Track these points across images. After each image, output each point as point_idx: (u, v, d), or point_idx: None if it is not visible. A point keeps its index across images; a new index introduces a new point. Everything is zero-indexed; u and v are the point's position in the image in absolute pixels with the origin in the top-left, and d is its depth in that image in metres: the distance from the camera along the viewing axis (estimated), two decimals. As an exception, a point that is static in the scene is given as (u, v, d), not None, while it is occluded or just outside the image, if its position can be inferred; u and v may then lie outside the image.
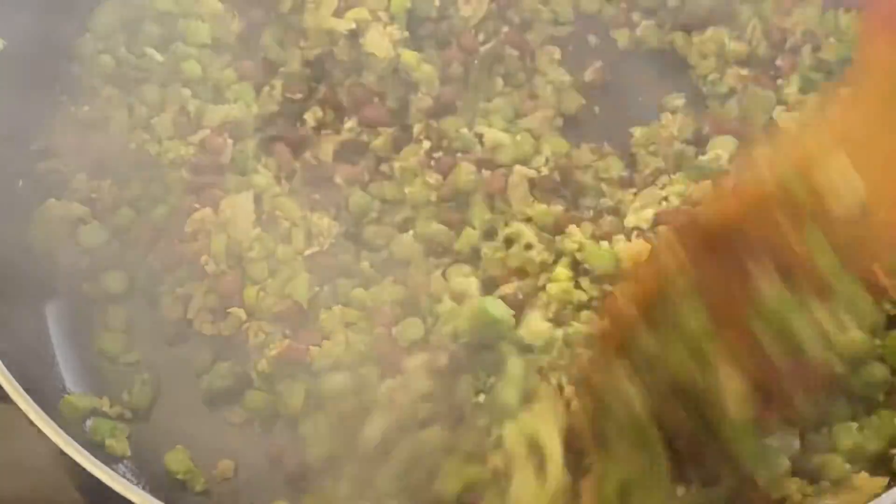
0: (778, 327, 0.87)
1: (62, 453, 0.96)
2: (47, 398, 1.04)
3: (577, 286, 1.13)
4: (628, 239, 1.15)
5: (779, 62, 1.26)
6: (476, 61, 1.27)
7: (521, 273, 1.15)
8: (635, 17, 1.31)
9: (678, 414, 0.90)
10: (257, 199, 1.20)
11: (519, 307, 1.11)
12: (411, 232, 1.19)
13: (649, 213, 1.16)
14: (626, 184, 1.21)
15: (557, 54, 1.30)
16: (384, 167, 1.23)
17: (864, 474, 1.04)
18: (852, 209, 0.84)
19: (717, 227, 0.89)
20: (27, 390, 1.01)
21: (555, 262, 1.15)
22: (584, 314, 1.11)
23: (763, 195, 0.87)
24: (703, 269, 0.88)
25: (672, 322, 0.89)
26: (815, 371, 0.88)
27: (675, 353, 0.89)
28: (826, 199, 0.85)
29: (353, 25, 1.26)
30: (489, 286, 1.14)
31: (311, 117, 1.26)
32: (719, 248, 0.88)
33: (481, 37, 1.29)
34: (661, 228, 1.12)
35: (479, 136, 1.23)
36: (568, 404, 1.00)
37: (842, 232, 0.85)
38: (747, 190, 0.90)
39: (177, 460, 1.11)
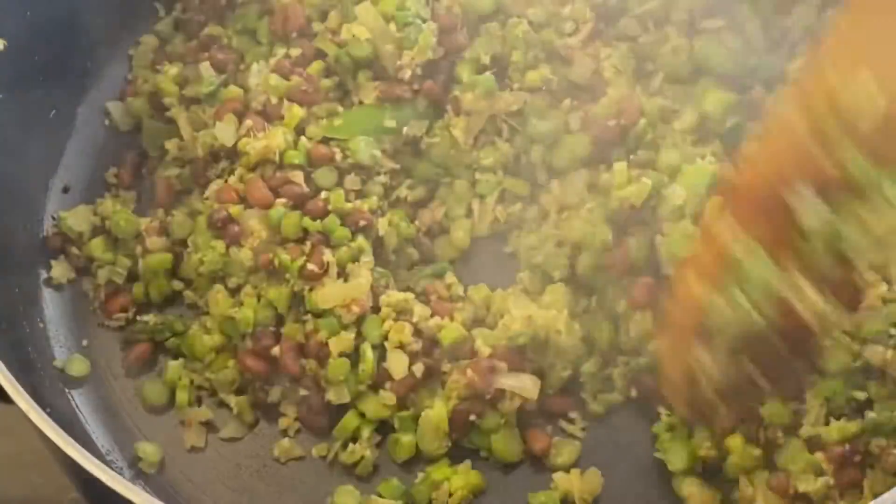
0: (827, 241, 0.90)
1: (62, 453, 0.96)
2: (47, 398, 1.05)
3: None
4: None
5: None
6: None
7: None
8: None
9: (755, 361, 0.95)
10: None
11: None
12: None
13: None
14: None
15: None
16: None
17: None
18: (877, 121, 0.88)
19: (757, 188, 0.92)
20: (27, 390, 1.01)
21: None
22: None
23: (794, 138, 0.90)
24: (754, 226, 0.92)
25: (739, 280, 0.93)
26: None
27: (747, 306, 0.92)
28: (854, 119, 0.88)
29: None
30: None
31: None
32: (763, 202, 0.91)
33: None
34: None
35: None
36: None
37: (869, 140, 0.88)
38: (777, 141, 0.93)
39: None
